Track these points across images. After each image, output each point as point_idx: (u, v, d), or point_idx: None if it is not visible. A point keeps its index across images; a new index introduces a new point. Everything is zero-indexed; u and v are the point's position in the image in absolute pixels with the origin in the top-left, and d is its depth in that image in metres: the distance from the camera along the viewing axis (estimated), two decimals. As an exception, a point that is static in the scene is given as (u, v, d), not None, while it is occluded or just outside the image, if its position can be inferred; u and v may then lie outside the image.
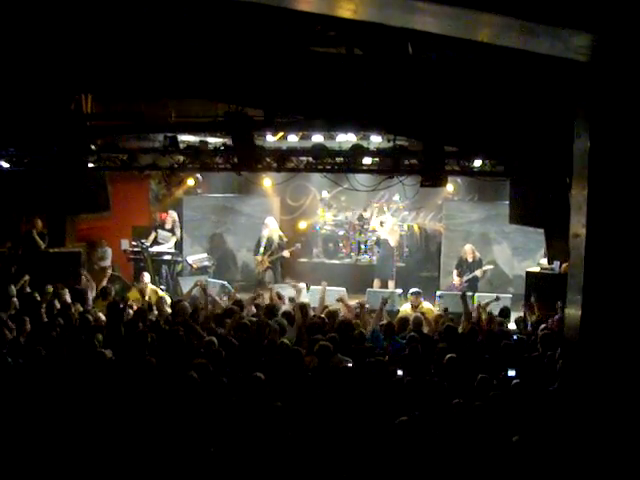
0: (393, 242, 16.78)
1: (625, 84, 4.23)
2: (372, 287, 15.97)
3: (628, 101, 4.24)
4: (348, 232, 18.54)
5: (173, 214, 17.61)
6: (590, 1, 4.06)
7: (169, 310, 11.59)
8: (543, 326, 9.89)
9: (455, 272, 16.06)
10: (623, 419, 4.43)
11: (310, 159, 13.48)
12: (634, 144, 4.25)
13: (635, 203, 4.26)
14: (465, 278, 15.66)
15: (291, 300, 12.10)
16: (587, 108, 4.47)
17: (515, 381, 7.65)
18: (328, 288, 13.44)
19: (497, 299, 12.23)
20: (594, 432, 4.50)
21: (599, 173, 4.32)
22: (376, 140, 13.63)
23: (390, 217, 17.51)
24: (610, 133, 4.29)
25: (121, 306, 10.93)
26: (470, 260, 15.81)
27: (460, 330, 10.12)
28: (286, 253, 16.60)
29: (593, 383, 4.49)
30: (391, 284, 16.42)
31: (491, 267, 16.61)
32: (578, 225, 4.47)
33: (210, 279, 16.13)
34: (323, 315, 10.91)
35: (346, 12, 4.59)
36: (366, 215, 18.45)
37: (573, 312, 4.58)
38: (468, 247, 16.01)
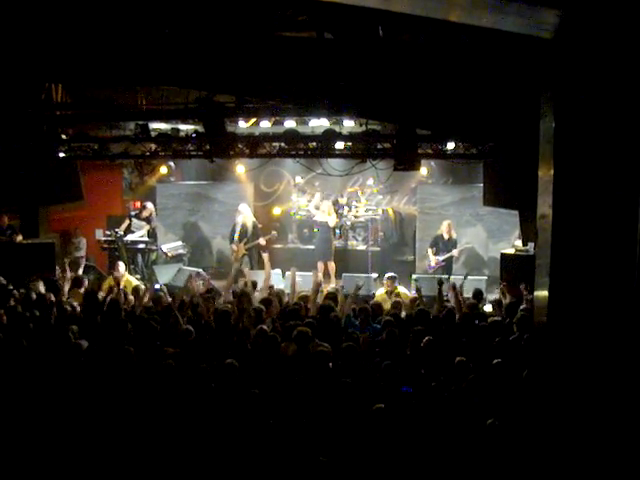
0: (332, 223, 16.81)
1: (588, 62, 4.24)
2: (318, 269, 16.05)
3: (592, 79, 4.25)
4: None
5: (150, 206, 17.56)
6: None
7: (146, 299, 11.54)
8: (523, 307, 9.89)
9: (430, 251, 16.00)
10: (591, 399, 4.47)
11: (283, 144, 13.45)
12: (599, 123, 4.27)
13: (601, 182, 4.28)
14: (442, 257, 15.65)
15: (254, 285, 12.09)
16: (552, 88, 4.48)
17: (496, 360, 7.64)
18: (304, 273, 13.46)
19: (465, 277, 12.25)
20: (564, 412, 4.54)
21: (565, 153, 4.34)
22: (349, 124, 13.62)
23: (326, 201, 17.56)
24: (575, 112, 4.31)
25: (98, 295, 10.88)
26: (446, 237, 15.76)
27: (433, 313, 10.12)
28: (262, 241, 16.53)
29: (561, 363, 4.52)
30: (331, 266, 16.50)
31: (469, 245, 16.68)
32: (545, 205, 4.48)
33: (185, 267, 16.10)
34: (297, 300, 10.91)
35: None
36: (342, 201, 18.44)
37: (541, 294, 4.60)
38: (445, 223, 15.94)
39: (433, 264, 15.73)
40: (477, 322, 9.70)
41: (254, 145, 13.46)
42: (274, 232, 17.04)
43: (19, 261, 13.71)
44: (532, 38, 4.43)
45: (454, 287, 10.85)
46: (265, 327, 8.94)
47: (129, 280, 13.53)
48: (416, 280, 14.13)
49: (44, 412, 6.99)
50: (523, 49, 6.51)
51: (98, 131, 14.44)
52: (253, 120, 14.58)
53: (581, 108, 4.29)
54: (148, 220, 17.33)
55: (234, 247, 16.70)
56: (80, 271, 13.57)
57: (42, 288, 11.73)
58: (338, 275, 15.95)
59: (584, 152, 4.29)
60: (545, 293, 4.49)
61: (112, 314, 10.04)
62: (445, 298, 10.99)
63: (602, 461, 4.51)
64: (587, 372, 4.46)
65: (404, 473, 6.00)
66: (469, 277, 12.63)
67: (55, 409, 7.04)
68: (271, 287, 12.16)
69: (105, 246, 16.97)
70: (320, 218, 17.03)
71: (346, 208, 18.26)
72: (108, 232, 16.95)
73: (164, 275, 15.62)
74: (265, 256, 13.35)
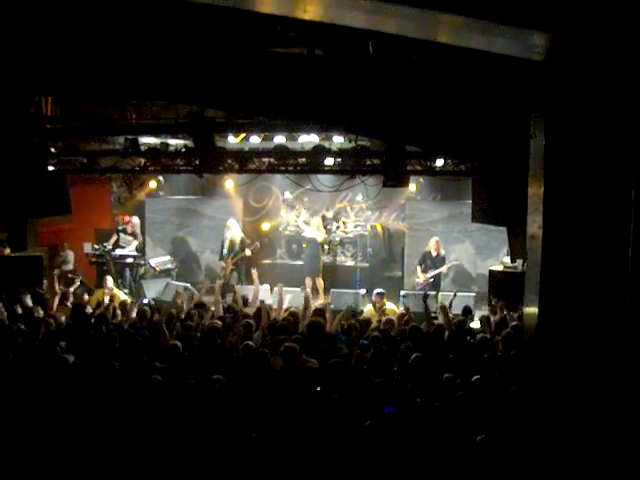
0: (320, 239, 16.85)
1: (579, 83, 4.28)
2: (305, 286, 15.98)
3: (582, 100, 4.28)
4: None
5: (135, 220, 17.55)
6: (547, 1, 4.11)
7: (133, 314, 11.51)
8: (514, 324, 9.90)
9: (419, 268, 16.01)
10: (581, 414, 4.48)
11: (272, 160, 13.46)
12: (589, 143, 4.30)
13: (590, 203, 4.30)
14: (430, 275, 15.66)
15: (245, 300, 12.13)
16: (542, 108, 4.52)
17: (476, 377, 7.65)
18: (292, 289, 13.46)
19: (455, 295, 12.28)
20: (554, 430, 4.55)
21: (555, 173, 4.37)
22: (338, 140, 13.66)
23: (315, 217, 17.62)
24: (565, 132, 4.34)
25: (86, 310, 10.84)
26: (434, 254, 15.76)
27: (423, 329, 10.14)
28: (247, 252, 16.57)
29: (551, 380, 4.54)
30: (319, 282, 16.50)
31: (457, 262, 16.70)
32: (534, 225, 4.51)
33: (173, 282, 16.08)
34: (286, 316, 10.91)
35: (305, 14, 4.60)
36: (328, 215, 18.45)
37: (531, 311, 4.62)
38: (433, 240, 15.97)
39: (421, 281, 15.74)
40: (469, 338, 9.74)
41: (243, 160, 13.47)
42: (257, 243, 17.04)
43: (7, 274, 13.65)
44: (522, 60, 4.47)
45: (444, 307, 10.85)
46: (251, 343, 8.93)
47: (117, 294, 13.50)
48: (404, 297, 14.17)
49: (30, 426, 6.95)
50: (513, 69, 6.56)
51: (87, 145, 14.44)
52: (242, 135, 14.61)
53: (572, 128, 4.32)
54: (134, 234, 17.31)
55: (222, 264, 16.73)
56: (72, 288, 13.52)
57: (29, 302, 11.69)
58: (326, 291, 15.95)
59: (575, 172, 4.32)
60: (534, 312, 4.51)
61: (99, 329, 10.01)
62: (433, 315, 11.01)
63: (593, 474, 4.53)
64: (577, 388, 4.48)
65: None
66: (458, 294, 12.65)
67: (41, 423, 7.00)
68: (262, 301, 12.16)
69: (93, 260, 16.94)
70: (308, 234, 17.06)
71: (334, 224, 18.26)
72: (96, 246, 16.92)
73: (152, 290, 15.59)
74: (254, 273, 13.33)
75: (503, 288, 12.64)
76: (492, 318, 11.13)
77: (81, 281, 16.06)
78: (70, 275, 16.13)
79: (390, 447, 6.30)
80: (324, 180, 14.71)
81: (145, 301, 13.91)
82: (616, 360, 4.42)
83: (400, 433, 6.55)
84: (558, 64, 4.28)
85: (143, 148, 13.66)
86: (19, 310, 11.16)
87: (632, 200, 4.20)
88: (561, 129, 4.34)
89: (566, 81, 4.29)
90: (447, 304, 11.34)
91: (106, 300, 12.46)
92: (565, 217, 4.34)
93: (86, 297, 12.75)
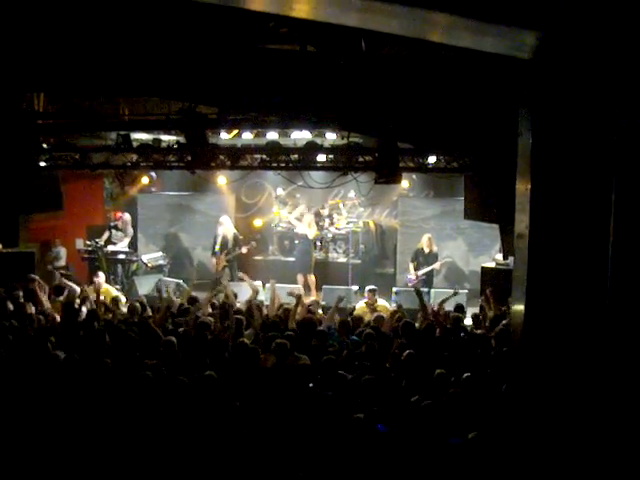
0: (311, 236, 16.88)
1: (566, 82, 4.29)
2: (298, 283, 16.00)
3: (568, 99, 4.30)
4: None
5: (126, 216, 17.54)
6: (535, 0, 4.12)
7: (124, 310, 11.50)
8: (505, 322, 9.90)
9: (411, 265, 15.99)
10: (567, 410, 4.51)
11: (264, 157, 13.43)
12: (576, 142, 4.31)
13: (577, 201, 4.32)
14: (422, 272, 15.64)
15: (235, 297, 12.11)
16: (529, 106, 4.53)
17: (466, 374, 7.65)
18: (284, 285, 13.46)
19: (455, 293, 12.20)
20: (541, 425, 4.57)
21: (541, 172, 4.38)
22: (331, 137, 13.65)
23: (307, 214, 17.65)
24: (552, 131, 4.35)
25: (76, 306, 10.82)
26: (427, 251, 15.74)
27: (417, 326, 10.15)
28: (244, 250, 16.56)
29: (538, 376, 4.57)
30: (311, 279, 16.52)
31: (449, 259, 16.71)
32: (522, 225, 4.53)
33: (165, 278, 16.07)
34: (279, 313, 10.90)
35: (293, 12, 4.61)
36: (323, 212, 18.45)
37: (518, 309, 4.65)
38: (425, 237, 15.96)
39: (414, 278, 15.73)
40: (463, 335, 9.77)
41: (235, 157, 13.42)
42: (253, 242, 17.05)
43: (-2, 270, 13.63)
44: (511, 58, 4.48)
45: (436, 311, 10.82)
46: (246, 340, 8.93)
47: (108, 290, 13.48)
48: (397, 293, 14.19)
49: (21, 423, 6.95)
50: (503, 67, 6.58)
51: (79, 141, 14.37)
52: (235, 132, 14.58)
53: (558, 127, 4.33)
54: (125, 231, 17.31)
55: (214, 260, 16.71)
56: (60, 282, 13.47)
57: (21, 298, 11.66)
58: (319, 288, 15.95)
59: (562, 171, 4.33)
60: (521, 309, 4.54)
61: (90, 325, 9.99)
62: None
63: (581, 470, 4.55)
64: (563, 384, 4.51)
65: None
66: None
67: (32, 420, 6.99)
68: (250, 300, 12.14)
69: (85, 256, 16.94)
70: (300, 230, 17.06)
71: (327, 220, 18.26)
72: (88, 242, 16.90)
73: (144, 286, 15.59)
74: (243, 275, 13.31)
75: (495, 285, 12.61)
76: (487, 313, 11.13)
77: (72, 277, 16.02)
78: (63, 272, 16.10)
79: (382, 444, 6.32)
80: (316, 177, 14.68)
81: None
82: (600, 356, 4.45)
83: (392, 431, 6.56)
84: (545, 63, 4.30)
85: (135, 144, 13.59)
86: (10, 307, 11.13)
87: (612, 200, 4.22)
88: (548, 127, 4.35)
89: (553, 80, 4.30)
90: (442, 300, 11.36)
91: (94, 296, 12.38)
92: (551, 216, 4.36)
93: (78, 292, 12.72)
